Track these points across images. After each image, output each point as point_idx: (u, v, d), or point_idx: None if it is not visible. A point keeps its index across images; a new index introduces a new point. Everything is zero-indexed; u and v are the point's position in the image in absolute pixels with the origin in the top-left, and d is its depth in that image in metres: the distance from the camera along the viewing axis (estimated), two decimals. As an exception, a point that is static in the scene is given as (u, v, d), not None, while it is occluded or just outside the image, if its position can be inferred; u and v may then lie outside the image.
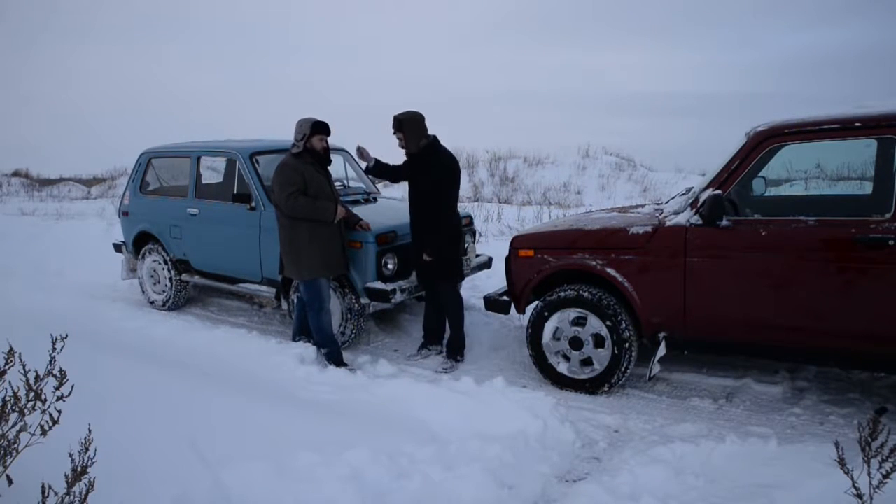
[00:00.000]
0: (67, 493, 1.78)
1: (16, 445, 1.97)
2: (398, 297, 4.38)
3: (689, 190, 3.92)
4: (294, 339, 4.50)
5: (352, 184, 5.66)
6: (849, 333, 3.11)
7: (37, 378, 1.97)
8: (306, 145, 4.07)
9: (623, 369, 3.67)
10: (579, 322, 3.76)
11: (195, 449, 2.78)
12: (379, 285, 4.35)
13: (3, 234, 9.38)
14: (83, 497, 1.79)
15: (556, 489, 2.71)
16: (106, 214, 11.41)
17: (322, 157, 4.16)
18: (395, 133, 4.16)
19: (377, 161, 4.47)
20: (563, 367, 3.85)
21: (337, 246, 4.18)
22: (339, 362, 4.18)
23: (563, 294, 3.78)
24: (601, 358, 3.72)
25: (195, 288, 5.99)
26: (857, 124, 3.09)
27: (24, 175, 21.59)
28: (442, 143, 4.25)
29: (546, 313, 3.85)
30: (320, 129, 4.09)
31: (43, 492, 1.77)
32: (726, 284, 3.33)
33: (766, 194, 4.15)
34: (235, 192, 5.01)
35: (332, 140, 4.36)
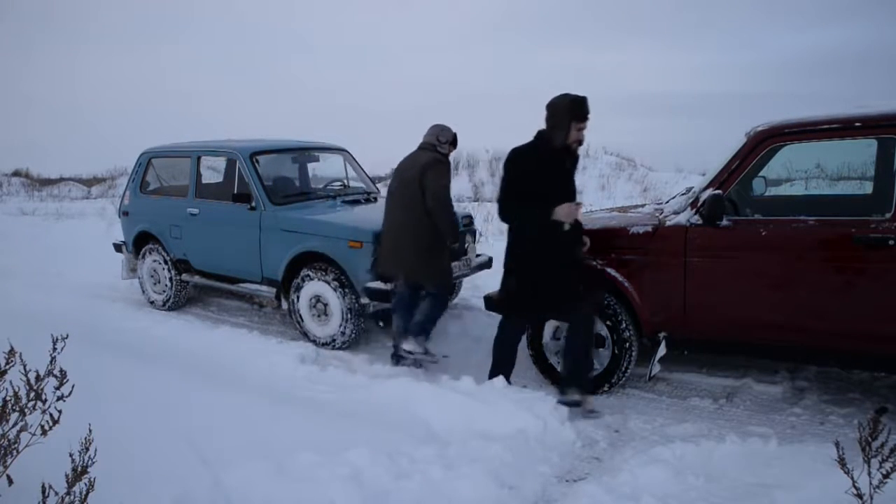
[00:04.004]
0: (68, 493, 1.78)
1: (16, 445, 1.97)
2: (398, 297, 4.37)
3: (689, 190, 3.92)
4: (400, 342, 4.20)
5: (352, 183, 5.66)
6: (849, 333, 3.11)
7: (37, 378, 1.97)
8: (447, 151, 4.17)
9: (623, 369, 3.67)
10: (579, 322, 3.75)
11: (195, 449, 2.78)
12: (379, 285, 4.35)
13: (3, 234, 9.39)
14: (83, 497, 1.79)
15: (556, 489, 2.71)
16: (106, 214, 11.41)
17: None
18: (586, 122, 3.32)
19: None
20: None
21: None
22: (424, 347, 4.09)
23: (563, 294, 3.78)
24: (601, 358, 3.71)
25: (195, 288, 5.99)
26: (857, 124, 3.09)
27: (25, 175, 21.55)
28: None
29: (546, 313, 3.84)
30: (456, 142, 4.19)
31: (43, 492, 1.77)
32: (726, 284, 3.33)
33: (766, 194, 4.15)
34: (235, 192, 5.01)
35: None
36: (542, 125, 3.38)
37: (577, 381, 3.44)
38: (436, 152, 4.09)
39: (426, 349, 4.12)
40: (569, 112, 3.25)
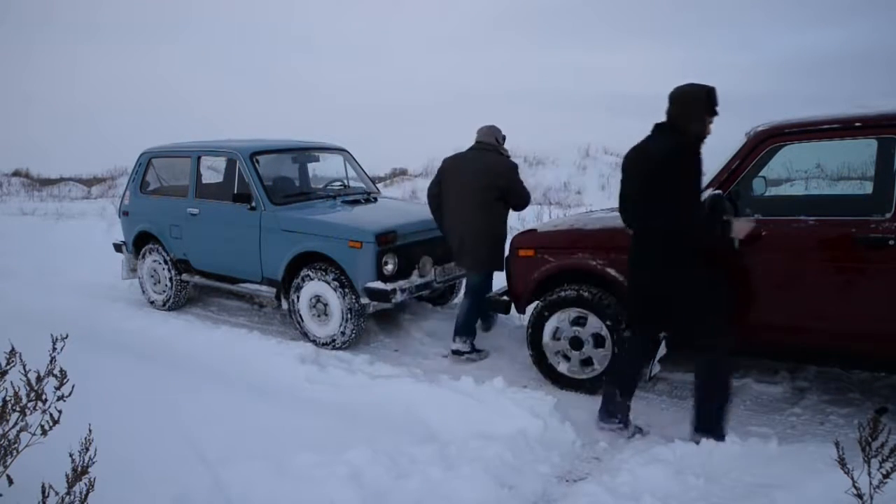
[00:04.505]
0: (68, 493, 1.79)
1: (16, 445, 1.97)
2: (398, 297, 4.38)
3: (689, 190, 3.91)
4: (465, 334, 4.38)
5: (352, 183, 5.66)
6: (849, 333, 3.11)
7: (38, 378, 1.98)
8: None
9: (623, 369, 3.66)
10: (579, 322, 3.76)
11: (195, 449, 2.78)
12: (379, 285, 4.35)
13: (3, 234, 9.39)
14: (83, 497, 1.79)
15: (556, 489, 2.71)
16: (106, 214, 11.41)
17: None
18: (714, 116, 2.93)
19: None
20: (563, 367, 3.85)
21: None
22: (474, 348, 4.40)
23: (563, 294, 3.78)
24: (601, 358, 3.71)
25: (195, 288, 6.00)
26: (857, 124, 3.09)
27: (25, 175, 21.54)
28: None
29: (546, 313, 3.85)
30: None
31: (43, 492, 1.78)
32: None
33: (766, 194, 4.15)
34: (236, 192, 5.02)
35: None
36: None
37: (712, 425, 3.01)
38: (500, 154, 4.34)
39: (473, 347, 4.38)
40: (705, 103, 2.86)
